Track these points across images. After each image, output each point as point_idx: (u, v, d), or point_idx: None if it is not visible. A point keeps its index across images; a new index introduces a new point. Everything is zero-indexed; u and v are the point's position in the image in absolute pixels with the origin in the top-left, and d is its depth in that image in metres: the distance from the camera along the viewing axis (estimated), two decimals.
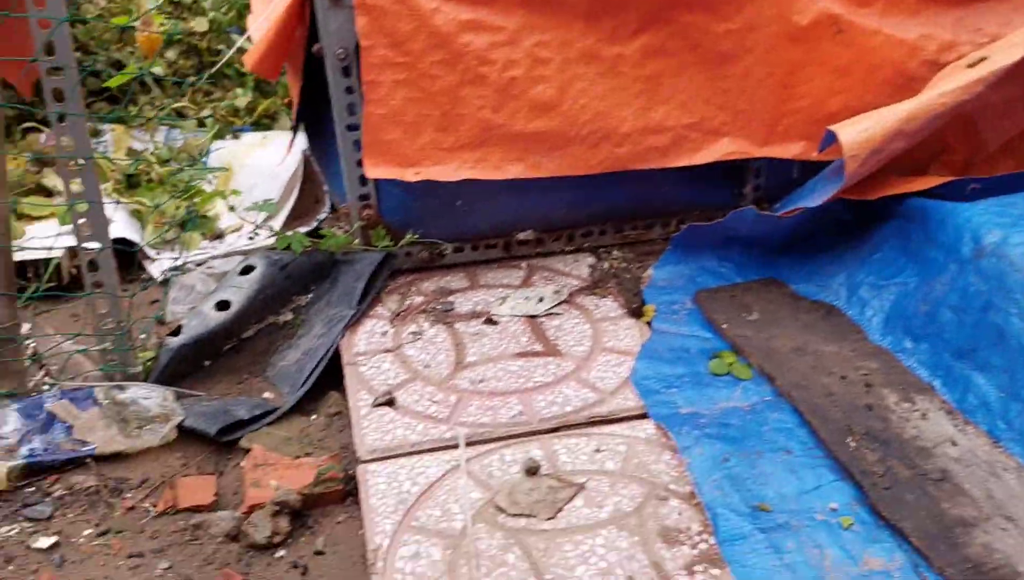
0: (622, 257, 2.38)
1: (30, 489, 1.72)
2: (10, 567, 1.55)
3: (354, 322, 2.11)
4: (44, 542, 1.60)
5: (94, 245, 1.86)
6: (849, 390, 1.80)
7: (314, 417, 1.94)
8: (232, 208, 2.38)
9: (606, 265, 2.35)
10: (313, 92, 2.37)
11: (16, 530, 1.63)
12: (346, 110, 2.13)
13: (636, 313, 2.13)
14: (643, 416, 1.79)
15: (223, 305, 2.08)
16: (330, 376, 2.00)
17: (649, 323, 2.08)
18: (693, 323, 2.07)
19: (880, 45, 2.19)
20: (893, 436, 1.67)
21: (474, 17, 2.02)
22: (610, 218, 2.41)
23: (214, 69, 2.69)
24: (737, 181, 2.44)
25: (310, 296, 2.23)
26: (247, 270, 2.15)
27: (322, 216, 2.68)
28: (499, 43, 2.05)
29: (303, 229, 2.52)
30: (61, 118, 1.75)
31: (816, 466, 1.62)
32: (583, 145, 2.17)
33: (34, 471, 1.75)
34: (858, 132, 2.00)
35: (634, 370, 1.91)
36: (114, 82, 2.09)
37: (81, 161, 1.79)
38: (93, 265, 1.88)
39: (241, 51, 2.65)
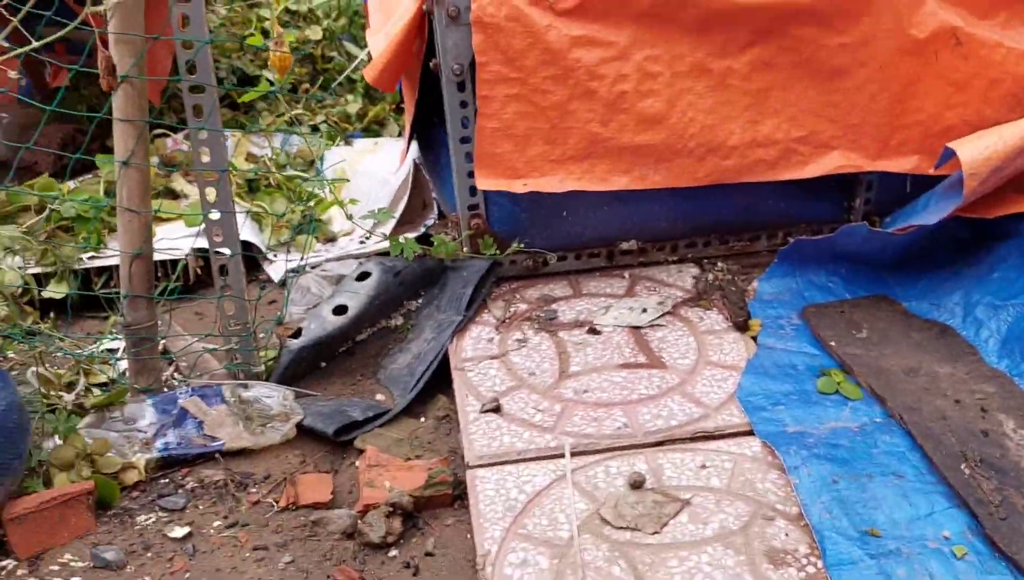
0: (726, 269, 2.37)
1: (164, 480, 1.84)
2: (148, 554, 1.66)
3: (461, 328, 2.17)
4: (178, 532, 1.70)
5: (225, 250, 1.97)
6: (964, 414, 1.76)
7: (423, 419, 2.01)
8: (350, 216, 2.49)
9: (710, 277, 2.34)
10: (426, 105, 2.44)
11: (152, 519, 1.74)
12: (460, 123, 2.19)
13: (741, 327, 2.12)
14: (749, 433, 1.79)
15: (340, 309, 2.17)
16: (438, 379, 2.07)
17: (755, 338, 2.07)
18: (800, 339, 2.05)
19: (1002, 58, 2.13)
20: (1010, 464, 1.63)
21: (585, 33, 2.05)
22: (715, 229, 2.41)
23: (336, 82, 2.79)
24: (847, 195, 2.40)
25: (420, 301, 2.30)
26: (363, 276, 2.23)
27: (429, 222, 2.76)
28: (609, 58, 2.07)
29: (411, 234, 2.60)
30: (200, 132, 1.86)
31: (929, 492, 1.60)
32: (690, 158, 2.18)
33: (168, 464, 1.86)
34: (979, 149, 1.95)
35: (740, 386, 1.91)
36: (248, 97, 2.21)
37: (217, 172, 1.90)
38: (223, 269, 1.99)
39: (360, 65, 2.75)
